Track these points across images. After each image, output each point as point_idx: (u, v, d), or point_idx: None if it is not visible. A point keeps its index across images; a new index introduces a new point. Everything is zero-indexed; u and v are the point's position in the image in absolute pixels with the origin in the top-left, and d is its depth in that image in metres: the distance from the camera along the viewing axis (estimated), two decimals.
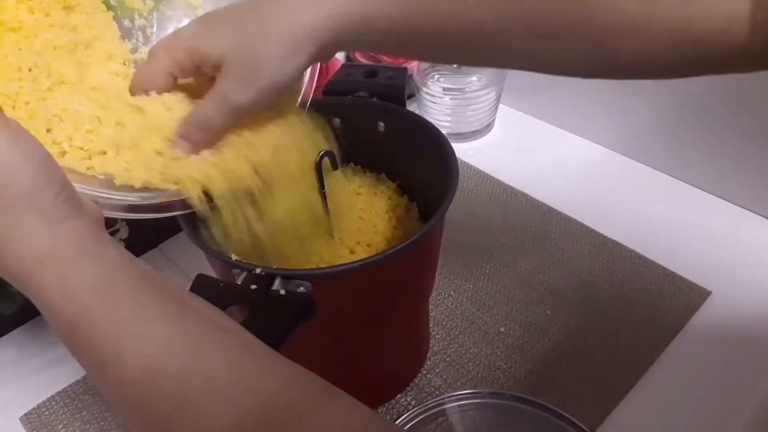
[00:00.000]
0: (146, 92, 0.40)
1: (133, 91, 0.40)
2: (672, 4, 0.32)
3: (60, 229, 0.28)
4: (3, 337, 0.61)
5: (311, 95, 0.46)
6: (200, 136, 0.39)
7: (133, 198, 0.37)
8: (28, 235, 0.27)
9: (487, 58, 0.40)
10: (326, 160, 0.45)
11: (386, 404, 0.52)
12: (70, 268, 0.28)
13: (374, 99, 0.51)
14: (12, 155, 0.27)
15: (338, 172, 0.47)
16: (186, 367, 0.26)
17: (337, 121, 0.52)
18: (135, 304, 0.27)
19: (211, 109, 0.38)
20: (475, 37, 0.36)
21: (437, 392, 0.53)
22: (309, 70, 0.46)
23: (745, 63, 0.33)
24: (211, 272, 0.43)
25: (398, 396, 0.53)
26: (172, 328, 0.27)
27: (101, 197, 0.35)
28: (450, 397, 0.51)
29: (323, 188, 0.47)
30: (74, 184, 0.31)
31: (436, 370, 0.55)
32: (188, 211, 0.40)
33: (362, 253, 0.47)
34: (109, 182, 0.38)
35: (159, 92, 0.40)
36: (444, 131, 0.48)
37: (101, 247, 0.29)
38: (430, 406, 0.51)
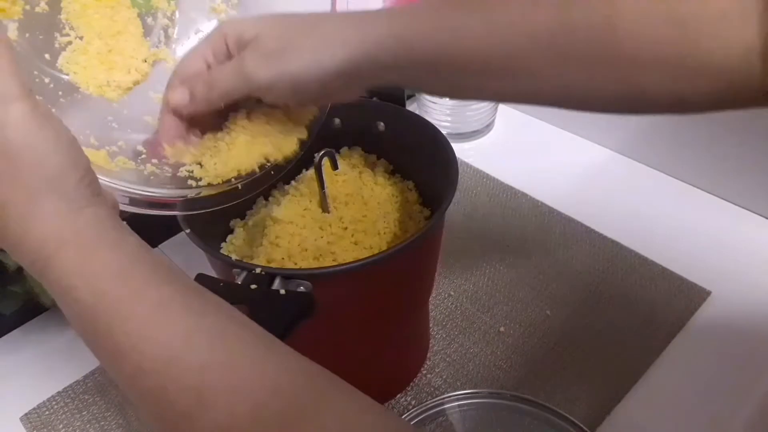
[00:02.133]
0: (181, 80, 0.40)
1: (173, 77, 0.40)
2: (697, 33, 0.31)
3: (82, 214, 0.28)
4: (3, 337, 0.61)
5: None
6: (202, 91, 0.38)
7: (149, 191, 0.38)
8: (50, 219, 0.27)
9: (516, 90, 0.38)
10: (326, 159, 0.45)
11: (386, 404, 0.53)
12: (91, 255, 0.27)
13: (374, 99, 0.51)
14: (41, 138, 0.27)
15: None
16: (207, 360, 0.26)
17: (337, 121, 0.52)
18: (157, 295, 0.27)
19: (227, 71, 0.38)
20: (505, 62, 0.35)
21: (437, 392, 0.53)
22: None
23: (765, 99, 0.32)
24: (211, 272, 0.43)
25: (398, 396, 0.53)
26: (193, 320, 0.27)
27: (117, 188, 0.36)
28: (450, 397, 0.51)
29: (323, 188, 0.47)
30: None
31: (436, 370, 0.55)
32: (190, 212, 0.40)
33: (365, 252, 0.47)
34: (122, 174, 0.38)
35: (191, 75, 0.40)
36: (444, 131, 0.48)
37: (121, 235, 0.29)
38: (430, 406, 0.51)
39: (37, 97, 0.28)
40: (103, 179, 0.35)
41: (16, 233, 0.28)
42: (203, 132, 0.42)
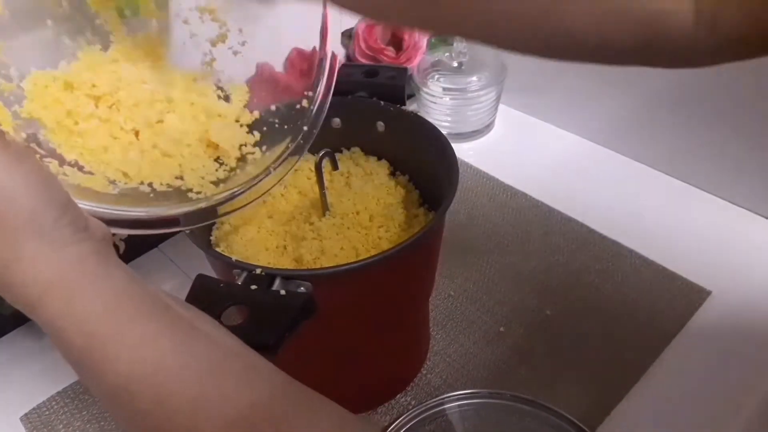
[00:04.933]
0: None
1: None
2: None
3: (64, 254, 0.28)
4: (3, 337, 0.61)
5: (329, 99, 0.46)
6: None
7: (139, 212, 0.37)
8: (32, 262, 0.27)
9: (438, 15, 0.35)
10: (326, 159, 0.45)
11: (386, 404, 0.53)
12: (76, 295, 0.27)
13: (374, 99, 0.51)
14: (11, 180, 0.27)
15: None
16: (198, 396, 0.26)
17: (336, 121, 0.52)
18: (145, 333, 0.27)
19: None
20: None
21: (437, 392, 0.53)
22: (327, 69, 0.45)
23: (693, 55, 0.31)
24: (211, 272, 0.43)
25: (398, 396, 0.53)
26: (183, 357, 0.27)
27: (108, 213, 0.35)
28: (450, 397, 0.51)
29: (323, 189, 0.47)
30: (81, 202, 0.31)
31: (436, 370, 0.55)
32: (193, 226, 0.40)
33: (365, 252, 0.47)
34: (117, 198, 0.37)
35: None
36: (444, 131, 0.48)
37: (106, 271, 0.29)
38: (429, 406, 0.51)
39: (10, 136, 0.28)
40: (90, 206, 0.34)
41: (3, 279, 0.27)
42: None
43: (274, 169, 0.43)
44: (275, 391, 0.27)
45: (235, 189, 0.42)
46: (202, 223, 0.40)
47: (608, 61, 0.34)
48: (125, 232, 0.36)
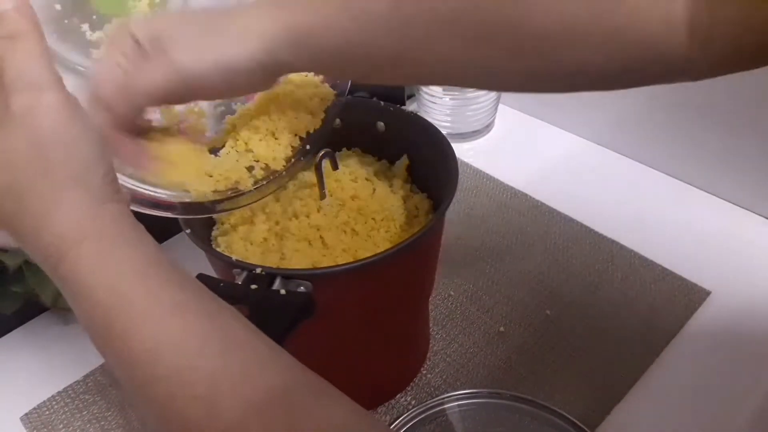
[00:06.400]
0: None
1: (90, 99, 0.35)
2: (608, 4, 0.30)
3: (104, 210, 0.28)
4: (3, 337, 0.61)
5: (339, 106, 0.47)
6: (122, 99, 0.34)
7: (148, 190, 0.37)
8: (72, 213, 0.27)
9: (430, 73, 0.37)
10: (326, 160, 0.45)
11: (386, 404, 0.52)
12: (110, 252, 0.27)
13: (374, 99, 0.51)
14: (71, 130, 0.27)
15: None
16: (220, 368, 0.26)
17: (337, 121, 0.52)
18: (174, 298, 0.27)
19: (152, 68, 0.34)
20: (411, 49, 0.34)
21: (437, 392, 0.53)
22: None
23: (688, 71, 0.31)
24: (212, 272, 0.43)
25: (398, 396, 0.53)
26: (208, 328, 0.27)
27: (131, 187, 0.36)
28: (450, 397, 0.51)
29: (323, 188, 0.47)
30: None
31: (436, 370, 0.55)
32: (191, 216, 0.40)
33: (365, 252, 0.47)
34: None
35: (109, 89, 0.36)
36: (444, 131, 0.48)
37: (139, 234, 0.29)
38: (429, 406, 0.51)
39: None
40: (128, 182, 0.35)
41: (33, 226, 0.27)
42: None
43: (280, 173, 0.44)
44: (294, 377, 0.27)
45: (241, 189, 0.42)
46: (200, 216, 0.40)
47: (602, 87, 0.34)
48: (135, 207, 0.36)
